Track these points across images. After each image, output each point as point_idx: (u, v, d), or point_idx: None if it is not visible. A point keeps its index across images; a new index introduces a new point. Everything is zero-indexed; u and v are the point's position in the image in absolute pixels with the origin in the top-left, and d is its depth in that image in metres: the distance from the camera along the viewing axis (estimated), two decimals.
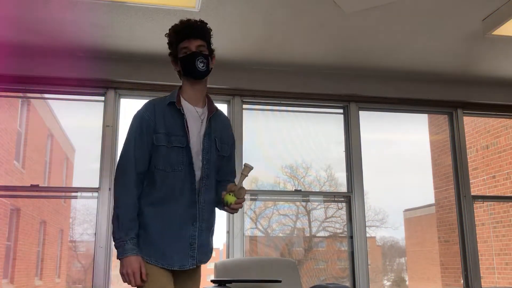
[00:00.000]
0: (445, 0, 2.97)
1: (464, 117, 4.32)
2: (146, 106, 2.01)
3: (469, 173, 4.22)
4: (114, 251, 3.66)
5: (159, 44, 3.47)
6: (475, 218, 4.14)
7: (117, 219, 1.85)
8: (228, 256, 3.77)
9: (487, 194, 6.79)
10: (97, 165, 3.61)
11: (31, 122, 9.40)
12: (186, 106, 2.00)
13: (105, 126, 3.66)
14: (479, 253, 4.06)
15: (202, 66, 1.99)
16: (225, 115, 2.17)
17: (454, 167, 4.27)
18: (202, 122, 2.01)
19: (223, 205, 1.92)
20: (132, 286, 1.81)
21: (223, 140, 2.07)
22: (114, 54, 3.65)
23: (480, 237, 6.59)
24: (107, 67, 3.69)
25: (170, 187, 1.91)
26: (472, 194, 4.13)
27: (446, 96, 4.26)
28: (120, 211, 1.86)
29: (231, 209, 1.92)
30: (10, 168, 8.92)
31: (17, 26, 3.23)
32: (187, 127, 1.95)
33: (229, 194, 1.88)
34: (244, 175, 1.90)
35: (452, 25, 3.29)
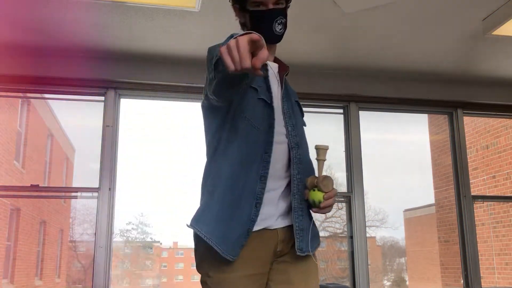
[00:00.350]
0: (445, 0, 2.97)
1: (464, 117, 4.31)
2: (228, 38, 1.46)
3: (469, 173, 4.22)
4: (114, 251, 3.67)
5: (159, 44, 3.47)
6: (475, 218, 4.13)
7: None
8: None
9: (487, 194, 6.80)
10: (97, 165, 3.62)
11: (31, 122, 9.42)
12: None
13: (105, 126, 3.66)
14: (479, 253, 4.06)
15: (280, 29, 1.57)
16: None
17: (454, 167, 4.27)
18: (278, 82, 1.61)
19: (311, 207, 1.50)
20: (236, 63, 1.09)
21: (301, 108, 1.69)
22: (114, 54, 3.65)
23: (480, 237, 6.60)
24: (107, 67, 3.69)
25: (252, 147, 1.46)
26: (472, 194, 4.13)
27: (446, 96, 4.27)
28: None
29: (322, 209, 1.47)
30: (10, 168, 8.93)
31: (17, 26, 3.23)
32: (269, 81, 1.55)
33: (313, 191, 1.45)
34: (321, 161, 1.48)
35: (452, 25, 3.29)
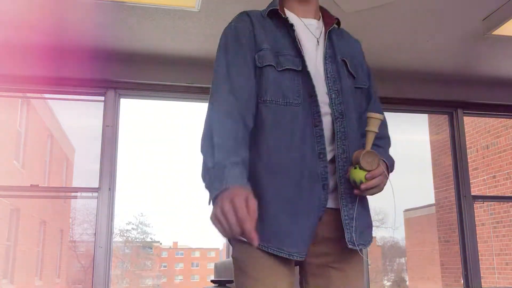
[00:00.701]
0: (445, 0, 2.97)
1: (464, 117, 4.31)
2: (237, 17, 1.41)
3: (469, 173, 4.21)
4: (114, 251, 3.65)
5: (159, 44, 3.47)
6: (475, 218, 4.13)
7: (210, 155, 1.15)
8: (228, 256, 3.77)
9: (488, 194, 6.80)
10: (97, 165, 3.62)
11: (31, 122, 9.42)
12: (292, 17, 1.40)
13: (105, 126, 3.66)
14: (479, 253, 4.05)
15: None
16: (353, 37, 1.55)
17: (454, 167, 4.27)
18: (318, 40, 1.39)
19: (354, 187, 1.26)
20: (229, 234, 1.05)
21: (356, 66, 1.46)
22: (114, 54, 3.65)
23: (480, 237, 6.61)
24: (107, 67, 3.69)
25: (286, 128, 1.26)
26: (472, 194, 4.13)
27: (446, 96, 4.26)
28: (217, 138, 1.17)
29: (363, 191, 1.23)
30: (10, 168, 8.93)
31: (17, 26, 3.23)
32: (300, 43, 1.33)
33: (355, 168, 1.22)
34: (371, 132, 1.25)
35: (452, 25, 3.29)
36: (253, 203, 1.04)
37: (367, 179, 1.20)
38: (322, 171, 1.25)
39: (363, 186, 1.20)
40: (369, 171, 1.20)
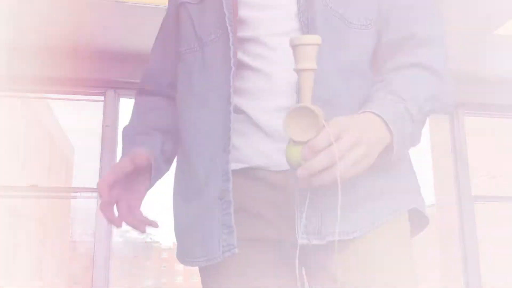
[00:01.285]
0: (446, 0, 2.97)
1: (464, 117, 4.31)
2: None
3: (470, 173, 4.21)
4: (114, 251, 3.66)
5: None
6: (476, 219, 4.13)
7: None
8: None
9: (488, 194, 6.79)
10: (96, 165, 3.61)
11: (31, 122, 9.42)
12: None
13: (104, 126, 3.66)
14: (479, 254, 4.05)
15: None
16: None
17: (455, 167, 4.27)
18: None
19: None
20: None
21: None
22: (114, 54, 3.64)
23: (480, 238, 6.60)
24: (107, 67, 3.68)
25: (198, 82, 0.92)
26: (472, 194, 4.12)
27: None
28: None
29: (304, 181, 0.66)
30: (10, 168, 8.93)
31: (17, 25, 3.22)
32: None
33: (290, 144, 0.69)
34: (306, 72, 0.69)
35: (453, 25, 3.29)
36: (111, 177, 0.93)
37: (303, 158, 0.66)
38: (225, 123, 0.85)
39: (299, 172, 0.66)
40: (303, 142, 0.67)
